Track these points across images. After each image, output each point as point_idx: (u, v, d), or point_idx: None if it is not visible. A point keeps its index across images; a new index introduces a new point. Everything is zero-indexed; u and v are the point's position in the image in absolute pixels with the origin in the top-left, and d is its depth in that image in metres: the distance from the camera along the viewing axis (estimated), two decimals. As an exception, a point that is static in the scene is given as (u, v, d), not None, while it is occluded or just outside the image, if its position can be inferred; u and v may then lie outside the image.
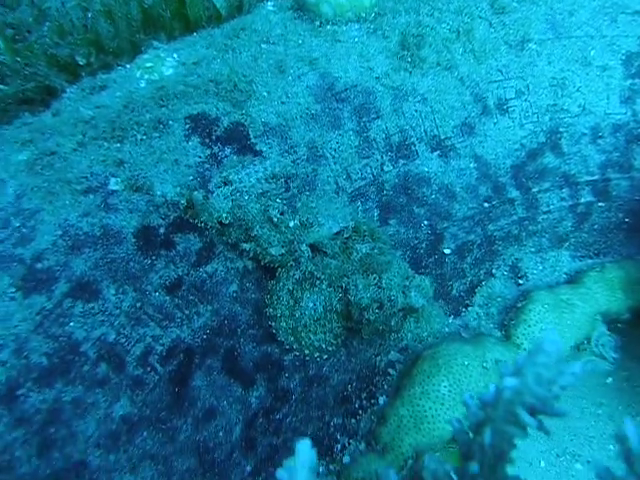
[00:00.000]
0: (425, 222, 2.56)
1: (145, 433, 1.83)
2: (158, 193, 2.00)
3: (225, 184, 2.01)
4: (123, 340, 1.88)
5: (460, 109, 2.73)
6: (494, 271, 2.72)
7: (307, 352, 2.11)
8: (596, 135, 2.91)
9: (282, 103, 2.41)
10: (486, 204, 2.68)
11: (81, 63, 2.87)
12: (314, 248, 2.02)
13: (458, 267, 2.62)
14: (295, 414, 2.11)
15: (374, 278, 2.02)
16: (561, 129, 2.88)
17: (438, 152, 2.65)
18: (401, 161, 2.58)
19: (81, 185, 2.02)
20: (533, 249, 2.80)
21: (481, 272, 2.70)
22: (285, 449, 2.05)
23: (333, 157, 2.44)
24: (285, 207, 2.01)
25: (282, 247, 2.01)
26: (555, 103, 2.89)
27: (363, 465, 2.05)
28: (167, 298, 1.99)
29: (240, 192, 1.99)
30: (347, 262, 2.00)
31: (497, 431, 1.20)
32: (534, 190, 2.77)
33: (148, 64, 2.61)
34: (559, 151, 2.85)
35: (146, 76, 2.55)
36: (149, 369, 1.90)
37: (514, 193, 2.74)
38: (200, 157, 2.20)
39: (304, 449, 1.18)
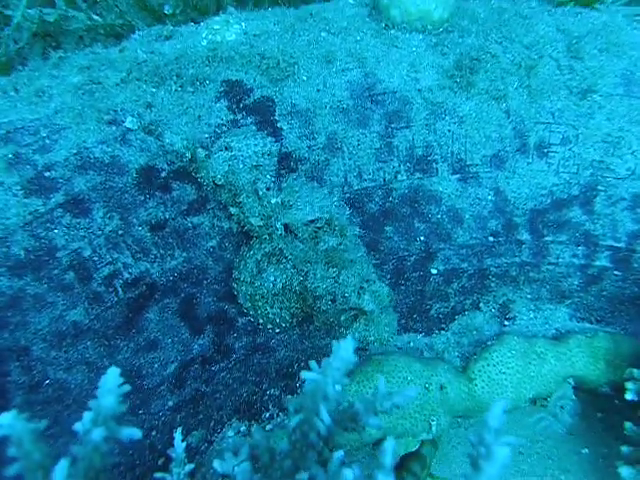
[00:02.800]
0: (421, 238, 2.54)
1: (89, 343, 2.01)
2: (167, 141, 2.15)
3: (226, 149, 2.11)
4: (96, 258, 2.06)
5: (496, 140, 2.66)
6: (481, 305, 2.66)
7: (261, 321, 2.19)
8: (637, 203, 2.73)
9: (317, 91, 2.47)
10: (491, 238, 2.62)
11: (167, 12, 3.07)
12: (287, 228, 2.09)
13: (442, 289, 2.59)
14: (231, 372, 2.21)
15: (333, 272, 2.07)
16: (600, 187, 2.73)
17: (459, 176, 2.61)
18: (417, 174, 2.57)
19: (108, 116, 2.20)
20: (530, 296, 2.70)
21: (467, 302, 2.64)
22: (211, 399, 2.16)
23: (350, 152, 2.48)
24: (272, 184, 2.09)
25: (261, 219, 2.10)
26: (602, 160, 2.74)
27: (277, 437, 2.12)
28: (148, 234, 2.14)
29: (237, 159, 2.10)
30: (313, 250, 2.06)
31: (305, 419, 1.23)
32: (547, 239, 2.66)
33: (216, 26, 2.75)
34: (589, 209, 2.71)
35: (210, 37, 2.69)
36: (111, 290, 2.07)
37: (525, 236, 2.65)
38: (222, 119, 2.31)
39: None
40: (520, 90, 2.71)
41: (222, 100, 2.35)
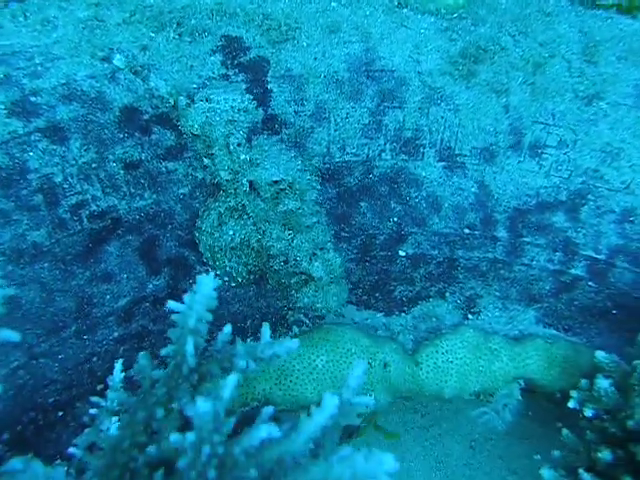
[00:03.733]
0: (395, 219, 2.52)
1: (46, 264, 2.08)
2: (152, 84, 2.18)
3: (206, 100, 2.13)
4: (66, 186, 2.12)
5: (489, 134, 2.60)
6: (447, 294, 2.63)
7: (218, 272, 2.23)
8: (625, 218, 2.64)
9: (314, 59, 2.46)
10: (467, 230, 2.58)
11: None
12: (252, 186, 2.10)
13: (407, 273, 2.57)
14: (181, 316, 2.26)
15: (289, 234, 2.08)
16: (590, 197, 2.65)
17: (444, 163, 2.57)
18: (402, 156, 2.54)
19: (102, 53, 2.24)
20: (498, 293, 2.65)
21: (433, 289, 2.62)
22: (157, 337, 2.22)
23: (336, 124, 2.47)
24: (244, 141, 2.10)
25: (229, 174, 2.12)
26: (597, 169, 2.66)
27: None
28: (121, 172, 2.19)
29: (214, 112, 2.11)
30: (272, 210, 2.07)
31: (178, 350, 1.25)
32: (525, 239, 2.60)
33: (232, -17, 2.75)
34: (574, 216, 2.64)
35: (224, -7, 2.70)
36: (76, 219, 2.13)
37: (502, 233, 2.60)
38: (213, 73, 2.33)
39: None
40: (524, 86, 2.63)
41: (217, 54, 2.36)
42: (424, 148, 2.53)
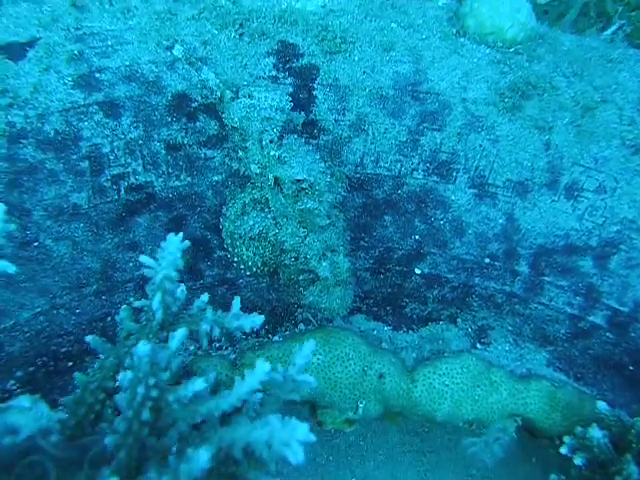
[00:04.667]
0: (416, 237, 2.54)
1: (81, 225, 2.25)
2: (203, 76, 2.33)
3: (249, 96, 2.25)
4: (112, 157, 2.29)
5: (525, 169, 2.58)
6: (459, 320, 2.61)
7: (235, 259, 2.33)
8: (658, 275, 2.55)
9: (363, 72, 2.54)
10: (487, 260, 2.56)
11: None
12: (277, 182, 2.20)
13: (421, 292, 2.57)
14: (194, 293, 2.38)
15: (303, 232, 2.15)
16: (622, 247, 2.57)
17: (475, 191, 2.57)
18: (434, 177, 2.56)
19: (167, 42, 2.42)
20: (511, 328, 2.61)
21: (445, 312, 2.61)
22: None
23: (374, 137, 2.53)
24: (276, 138, 2.20)
25: (259, 168, 2.22)
26: (634, 221, 2.58)
27: (217, 367, 2.26)
28: (163, 152, 2.34)
29: (254, 108, 2.23)
30: (291, 207, 2.15)
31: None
32: (546, 278, 2.55)
33: (302, -4, 2.88)
34: (603, 264, 2.56)
35: (293, 2, 2.83)
36: (115, 188, 2.29)
37: (523, 268, 2.56)
38: (264, 73, 2.46)
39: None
40: (569, 127, 2.60)
41: (271, 57, 2.48)
42: (457, 173, 2.54)
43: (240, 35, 2.52)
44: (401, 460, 3.04)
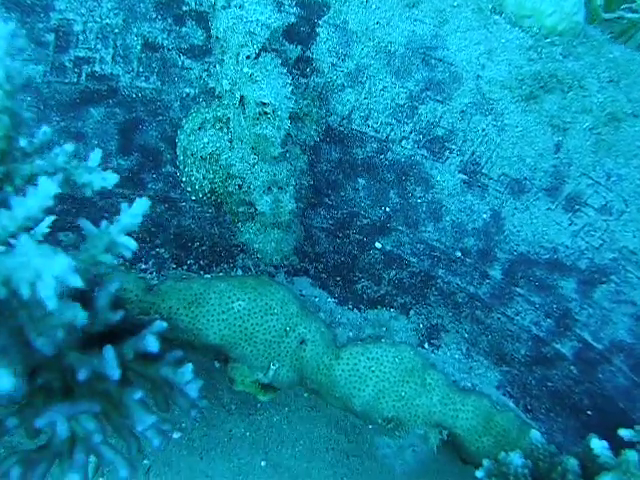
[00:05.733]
0: (387, 209, 2.27)
1: (28, 99, 2.07)
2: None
3: (239, 7, 2.03)
4: (81, 38, 2.10)
5: (526, 167, 2.29)
6: (411, 312, 2.32)
7: (183, 179, 2.12)
8: (647, 318, 2.21)
9: (377, 22, 2.30)
10: (458, 254, 2.26)
11: None
12: (242, 101, 1.97)
13: (375, 270, 2.30)
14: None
15: (253, 158, 1.92)
16: (613, 278, 2.25)
17: (465, 177, 2.29)
18: (424, 151, 2.29)
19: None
20: (467, 335, 2.30)
21: (399, 299, 2.32)
22: (94, 210, 2.14)
23: (369, 93, 2.28)
24: (254, 55, 1.98)
25: (229, 84, 2.00)
26: (636, 253, 2.25)
27: (129, 284, 2.04)
28: (138, 48, 2.14)
29: (240, 19, 2.01)
30: (250, 130, 1.92)
31: None
32: (518, 290, 2.24)
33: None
34: (586, 291, 2.24)
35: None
36: (76, 71, 2.11)
37: (496, 273, 2.26)
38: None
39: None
40: (587, 133, 2.29)
41: (280, -14, 2.26)
42: (450, 153, 2.26)
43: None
44: (321, 457, 2.76)
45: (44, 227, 1.09)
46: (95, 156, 1.25)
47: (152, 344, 1.87)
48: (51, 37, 2.05)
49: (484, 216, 2.25)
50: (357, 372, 2.03)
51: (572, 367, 2.18)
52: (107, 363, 1.78)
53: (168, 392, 2.02)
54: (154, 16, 2.14)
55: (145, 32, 2.13)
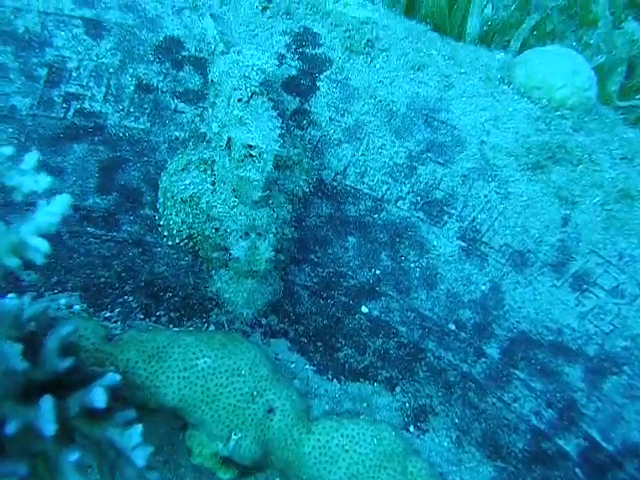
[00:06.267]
0: (377, 272, 2.09)
1: (10, 130, 2.00)
2: (203, 24, 2.10)
3: (238, 53, 1.99)
4: (74, 75, 2.06)
5: (531, 239, 2.12)
6: (397, 389, 2.07)
7: (161, 222, 1.99)
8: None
9: (379, 81, 2.23)
10: (452, 326, 2.05)
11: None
12: (229, 143, 1.87)
13: (360, 337, 2.09)
14: (101, 245, 2.03)
15: (233, 201, 1.79)
16: (626, 369, 2.00)
17: (464, 244, 2.12)
18: (420, 214, 2.14)
19: (183, -10, 2.22)
20: (457, 420, 2.04)
21: (383, 373, 2.09)
22: (67, 256, 2.00)
23: (366, 149, 2.17)
24: (246, 98, 1.90)
25: (218, 127, 1.92)
26: (651, 343, 2.02)
27: (86, 330, 1.88)
28: (132, 88, 2.09)
29: (237, 64, 1.95)
30: (233, 172, 1.81)
31: None
32: (517, 373, 2.00)
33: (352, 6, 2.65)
34: (595, 381, 2.00)
35: (339, 7, 2.61)
36: (64, 107, 2.05)
37: (493, 351, 2.03)
38: (272, 47, 2.21)
39: None
40: (598, 209, 2.13)
41: (287, 36, 2.24)
42: (449, 217, 2.11)
43: (263, 9, 2.30)
44: None
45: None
46: (31, 158, 1.13)
47: (99, 398, 1.67)
48: (44, 72, 2.00)
49: (482, 287, 2.06)
50: (329, 450, 1.77)
51: (577, 469, 1.90)
52: (42, 415, 1.58)
53: (114, 458, 1.79)
54: (152, 59, 2.10)
55: (140, 74, 2.08)
